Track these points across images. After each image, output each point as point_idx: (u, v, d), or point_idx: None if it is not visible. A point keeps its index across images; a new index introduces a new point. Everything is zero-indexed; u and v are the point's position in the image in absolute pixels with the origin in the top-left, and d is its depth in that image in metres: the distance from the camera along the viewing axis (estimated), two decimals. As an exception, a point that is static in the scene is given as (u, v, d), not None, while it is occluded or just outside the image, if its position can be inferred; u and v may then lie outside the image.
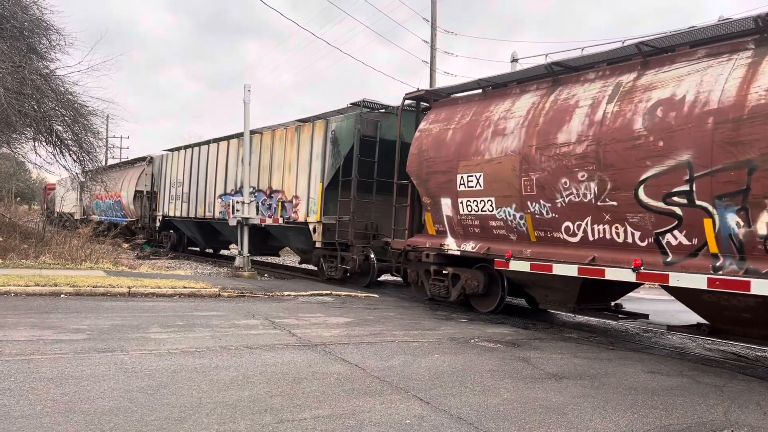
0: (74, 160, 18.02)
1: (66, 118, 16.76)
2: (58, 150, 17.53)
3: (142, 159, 27.90)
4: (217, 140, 20.55)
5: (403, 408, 4.91)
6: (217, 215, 19.50)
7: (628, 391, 5.86)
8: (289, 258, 25.37)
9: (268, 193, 16.75)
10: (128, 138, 60.30)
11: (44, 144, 17.49)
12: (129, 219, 28.01)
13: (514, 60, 13.09)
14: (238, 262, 15.72)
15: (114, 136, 54.97)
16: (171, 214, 23.49)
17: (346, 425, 4.43)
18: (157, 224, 22.17)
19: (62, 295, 9.98)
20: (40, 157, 18.25)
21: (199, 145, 21.96)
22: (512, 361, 6.93)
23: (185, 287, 11.32)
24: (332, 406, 4.86)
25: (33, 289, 9.97)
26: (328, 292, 12.56)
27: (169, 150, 24.54)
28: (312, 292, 12.29)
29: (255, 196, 16.51)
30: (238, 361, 6.21)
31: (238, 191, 17.54)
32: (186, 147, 23.00)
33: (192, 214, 21.58)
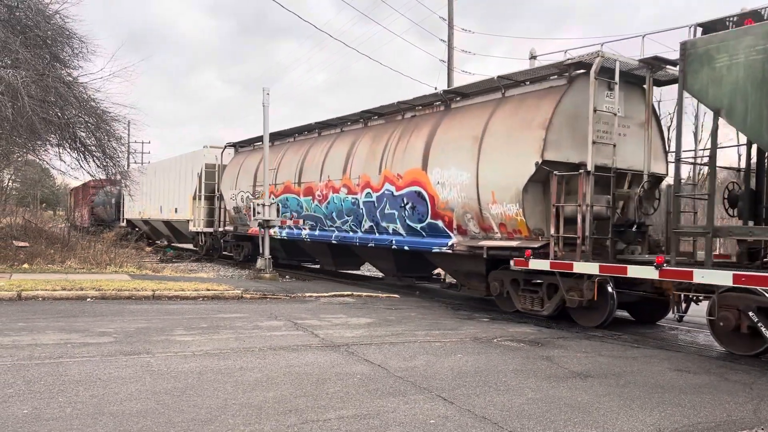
0: (98, 166, 18.30)
1: (89, 124, 17.01)
2: (81, 156, 17.80)
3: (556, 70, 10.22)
4: None
5: (428, 408, 4.91)
6: None
7: (654, 389, 5.79)
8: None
9: None
10: (149, 143, 60.90)
11: (68, 150, 17.78)
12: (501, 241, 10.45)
13: (533, 57, 12.98)
14: (259, 264, 15.82)
15: (135, 141, 55.54)
16: None
17: (370, 425, 4.44)
18: None
19: (88, 299, 10.14)
20: (65, 163, 18.53)
21: None
22: (536, 360, 6.89)
23: (208, 290, 11.43)
24: (356, 407, 4.87)
25: (60, 293, 10.14)
26: (350, 293, 12.59)
27: None
28: (333, 293, 12.33)
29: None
30: (262, 362, 6.25)
31: None
32: None
33: None
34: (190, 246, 26.11)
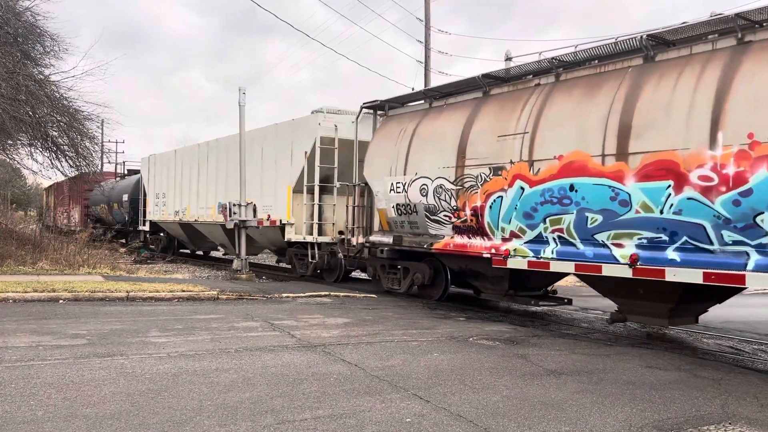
0: (70, 166, 18.07)
1: (61, 123, 16.79)
2: (54, 155, 17.56)
3: None
4: None
5: (404, 407, 4.94)
6: None
7: (626, 386, 5.90)
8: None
9: None
10: (123, 142, 59.98)
11: (40, 150, 17.52)
12: None
13: (508, 59, 13.11)
14: (235, 264, 15.74)
15: (109, 141, 54.60)
16: None
17: (346, 425, 4.46)
18: None
19: (61, 301, 9.98)
20: (37, 162, 18.28)
21: None
22: (511, 359, 6.97)
23: (184, 291, 11.34)
24: (333, 406, 4.88)
25: (31, 295, 9.97)
26: (327, 293, 12.58)
27: None
28: (310, 294, 12.30)
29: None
30: (238, 363, 6.23)
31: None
32: None
33: None
34: (260, 260, 21.36)
